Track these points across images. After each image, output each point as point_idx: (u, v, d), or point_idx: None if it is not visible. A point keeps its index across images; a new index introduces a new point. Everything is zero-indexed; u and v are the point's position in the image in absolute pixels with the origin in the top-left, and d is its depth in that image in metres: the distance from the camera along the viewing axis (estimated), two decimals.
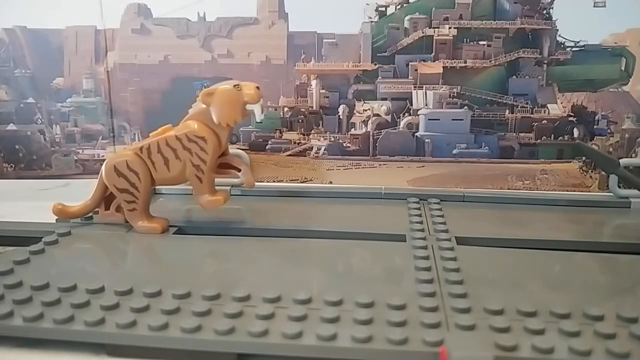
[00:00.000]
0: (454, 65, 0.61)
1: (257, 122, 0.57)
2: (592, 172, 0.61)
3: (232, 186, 0.56)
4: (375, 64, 0.62)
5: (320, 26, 0.62)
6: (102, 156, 0.66)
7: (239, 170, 0.47)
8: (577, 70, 0.60)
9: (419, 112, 0.62)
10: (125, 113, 0.65)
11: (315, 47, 0.62)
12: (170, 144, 0.44)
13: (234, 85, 0.43)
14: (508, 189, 0.62)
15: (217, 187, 0.46)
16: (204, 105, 0.44)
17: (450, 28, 0.60)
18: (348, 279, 0.37)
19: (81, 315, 0.31)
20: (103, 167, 0.45)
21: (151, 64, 0.64)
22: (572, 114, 0.61)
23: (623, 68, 0.59)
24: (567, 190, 0.61)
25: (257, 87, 0.43)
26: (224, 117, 0.43)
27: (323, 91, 0.64)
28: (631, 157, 0.59)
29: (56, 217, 0.47)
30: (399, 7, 0.61)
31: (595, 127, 0.60)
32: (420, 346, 0.28)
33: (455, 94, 0.61)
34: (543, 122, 0.61)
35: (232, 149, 0.54)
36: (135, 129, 0.65)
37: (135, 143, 0.46)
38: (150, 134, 0.45)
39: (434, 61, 0.61)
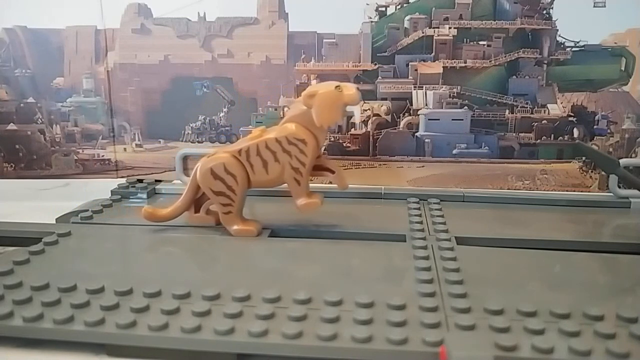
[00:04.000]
0: (454, 65, 0.61)
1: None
2: (592, 172, 0.61)
3: None
4: (375, 64, 0.62)
5: (320, 26, 0.62)
6: (102, 156, 0.66)
7: (332, 172, 0.46)
8: (577, 70, 0.60)
9: (419, 112, 0.62)
10: (125, 113, 0.65)
11: (315, 47, 0.62)
12: (270, 146, 0.43)
13: (335, 87, 0.42)
14: (508, 189, 0.62)
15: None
16: (303, 107, 0.43)
17: (450, 28, 0.60)
18: (348, 279, 0.37)
19: (81, 315, 0.31)
20: (197, 169, 0.44)
21: (151, 64, 0.64)
22: (572, 114, 0.61)
23: (623, 68, 0.59)
24: (567, 190, 0.61)
25: (357, 88, 0.43)
26: (324, 118, 0.43)
27: None
28: (631, 157, 0.59)
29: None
30: (399, 7, 0.61)
31: (595, 127, 0.60)
32: (420, 346, 0.28)
33: (455, 94, 0.61)
34: (543, 122, 0.61)
35: None
36: (135, 129, 0.65)
37: (228, 145, 0.46)
38: (247, 137, 0.45)
39: (434, 61, 0.61)
